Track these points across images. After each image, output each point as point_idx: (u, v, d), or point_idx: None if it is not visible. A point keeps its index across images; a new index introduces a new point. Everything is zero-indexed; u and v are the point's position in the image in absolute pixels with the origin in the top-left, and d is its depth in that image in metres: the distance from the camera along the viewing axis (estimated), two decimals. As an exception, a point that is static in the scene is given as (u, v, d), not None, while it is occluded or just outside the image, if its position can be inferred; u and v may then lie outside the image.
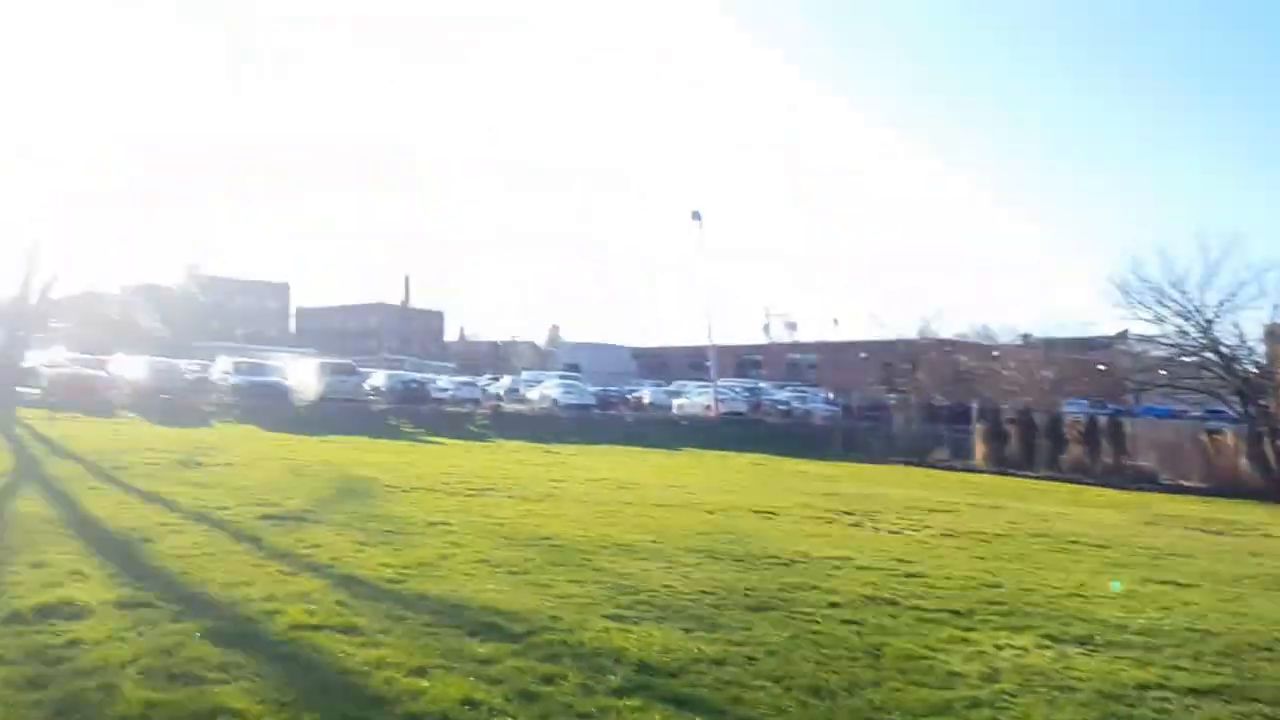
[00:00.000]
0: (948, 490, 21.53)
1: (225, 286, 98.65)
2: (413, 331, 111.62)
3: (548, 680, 5.44)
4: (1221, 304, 28.46)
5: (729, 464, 26.70)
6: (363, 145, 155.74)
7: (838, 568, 9.97)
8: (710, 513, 14.22)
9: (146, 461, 15.90)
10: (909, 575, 9.72)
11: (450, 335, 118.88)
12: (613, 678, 5.52)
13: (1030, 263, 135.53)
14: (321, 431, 27.16)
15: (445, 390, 45.21)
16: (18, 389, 28.23)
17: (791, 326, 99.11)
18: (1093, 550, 12.52)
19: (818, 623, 7.38)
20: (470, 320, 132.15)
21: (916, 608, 8.18)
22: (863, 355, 55.58)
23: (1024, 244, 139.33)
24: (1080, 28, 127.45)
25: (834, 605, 8.05)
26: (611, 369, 62.64)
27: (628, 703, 5.18)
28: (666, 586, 8.37)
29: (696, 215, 44.71)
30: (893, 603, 8.34)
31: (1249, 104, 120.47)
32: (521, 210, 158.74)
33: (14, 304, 31.02)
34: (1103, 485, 25.77)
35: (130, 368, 34.67)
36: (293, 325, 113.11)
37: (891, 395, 44.81)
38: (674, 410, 45.38)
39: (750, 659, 6.23)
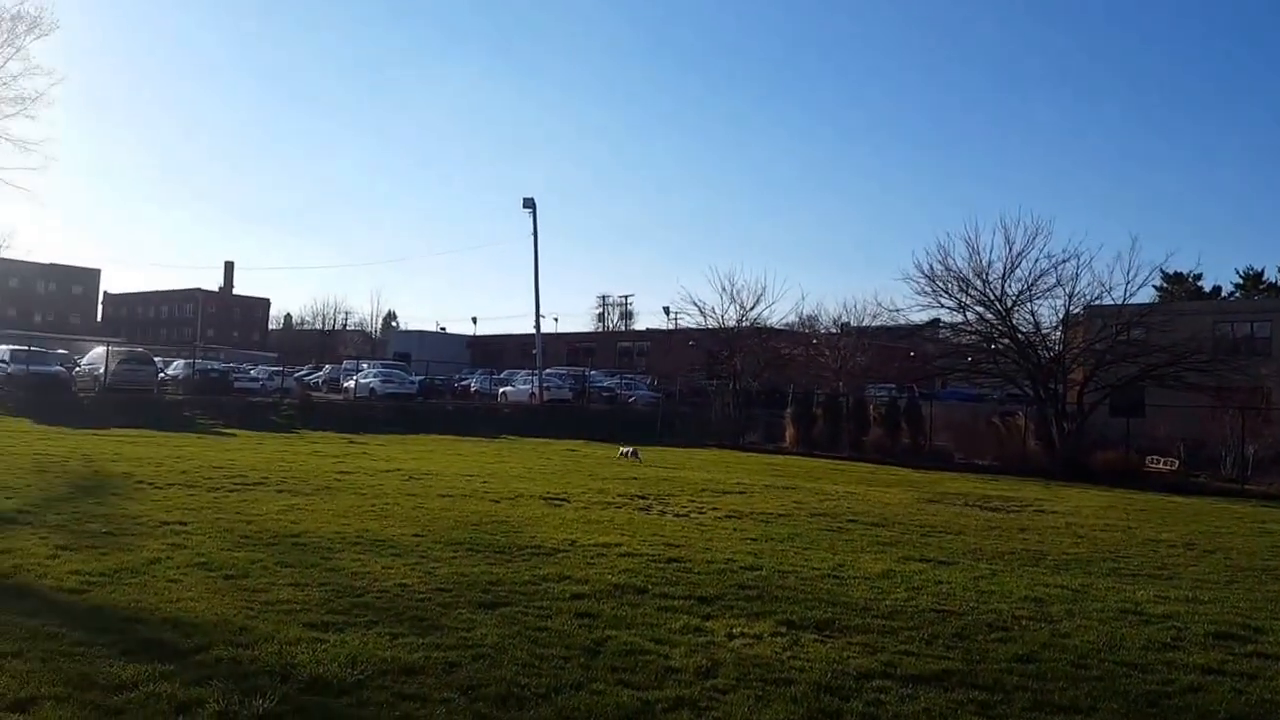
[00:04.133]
0: (749, 472, 21.80)
1: (25, 271, 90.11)
2: (233, 320, 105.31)
3: (182, 709, 4.69)
4: (1020, 294, 30.06)
5: (543, 450, 26.22)
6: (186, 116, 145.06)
7: (600, 555, 9.62)
8: (495, 502, 13.66)
9: None
10: (670, 561, 9.48)
11: (278, 324, 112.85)
12: (262, 700, 4.80)
13: (851, 249, 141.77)
14: (105, 425, 25.00)
15: (256, 380, 42.53)
16: None
17: (627, 316, 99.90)
18: (866, 529, 12.74)
19: (549, 618, 6.94)
20: (301, 308, 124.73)
21: (664, 595, 7.92)
22: (691, 343, 56.26)
23: (847, 230, 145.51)
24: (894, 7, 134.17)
25: (577, 597, 7.66)
26: (443, 357, 60.84)
27: (266, 729, 4.51)
28: (401, 585, 7.74)
29: (529, 203, 43.78)
30: (641, 590, 8.04)
31: (1059, 91, 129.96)
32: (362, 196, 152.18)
33: None
34: (901, 465, 26.90)
35: None
36: (101, 313, 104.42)
37: (712, 381, 45.54)
38: (499, 399, 44.52)
39: (451, 665, 5.68)
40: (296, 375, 48.08)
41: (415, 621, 6.63)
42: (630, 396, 46.58)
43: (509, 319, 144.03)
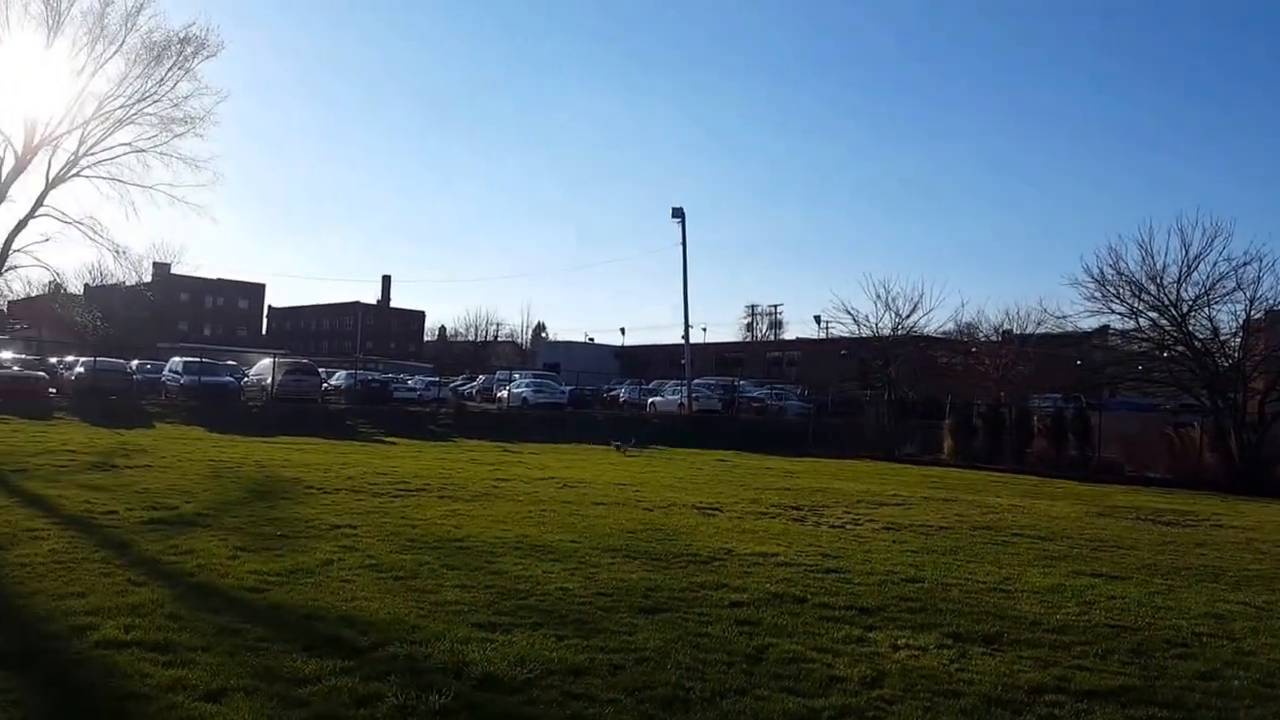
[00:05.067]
0: (906, 484, 21.00)
1: (195, 286, 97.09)
2: (390, 332, 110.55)
3: (363, 702, 4.81)
4: (1197, 299, 27.94)
5: (693, 461, 26.07)
6: (348, 141, 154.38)
7: (757, 564, 9.42)
8: (649, 510, 13.64)
9: (55, 464, 15.19)
10: (828, 571, 9.18)
11: (433, 335, 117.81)
12: (438, 697, 4.88)
13: (1013, 256, 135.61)
14: (272, 432, 26.51)
15: (413, 390, 44.46)
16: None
17: (776, 325, 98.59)
18: (1032, 543, 11.99)
19: (709, 624, 6.81)
20: (455, 320, 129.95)
21: (824, 604, 7.65)
22: (843, 353, 54.89)
23: (1007, 236, 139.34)
24: (1064, 14, 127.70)
25: (735, 605, 7.51)
26: (592, 368, 61.93)
27: (443, 725, 4.57)
28: (563, 589, 7.79)
29: (678, 213, 43.94)
30: (800, 600, 7.80)
31: (1233, 97, 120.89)
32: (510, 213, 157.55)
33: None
34: (1067, 478, 25.34)
35: (74, 369, 33.77)
36: (266, 326, 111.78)
37: (866, 391, 44.28)
38: (648, 409, 44.79)
39: (615, 668, 5.64)
40: (452, 385, 49.96)
41: (578, 624, 6.64)
42: (780, 407, 45.89)
43: (656, 329, 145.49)
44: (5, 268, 29.90)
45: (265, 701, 4.75)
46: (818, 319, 70.58)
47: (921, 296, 40.71)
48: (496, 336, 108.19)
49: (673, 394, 46.02)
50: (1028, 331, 49.70)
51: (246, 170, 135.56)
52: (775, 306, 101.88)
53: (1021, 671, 5.97)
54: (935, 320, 44.25)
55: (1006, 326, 53.16)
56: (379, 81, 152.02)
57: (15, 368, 32.10)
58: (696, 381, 47.56)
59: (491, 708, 4.86)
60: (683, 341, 46.12)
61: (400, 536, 10.13)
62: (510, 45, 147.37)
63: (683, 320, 45.25)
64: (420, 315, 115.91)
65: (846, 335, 47.18)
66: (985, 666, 6.06)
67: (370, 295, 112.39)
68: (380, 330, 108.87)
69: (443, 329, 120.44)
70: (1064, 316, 36.13)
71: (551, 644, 6.07)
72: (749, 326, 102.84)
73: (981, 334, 54.48)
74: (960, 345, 49.75)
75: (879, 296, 40.10)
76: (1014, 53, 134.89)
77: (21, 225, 28.83)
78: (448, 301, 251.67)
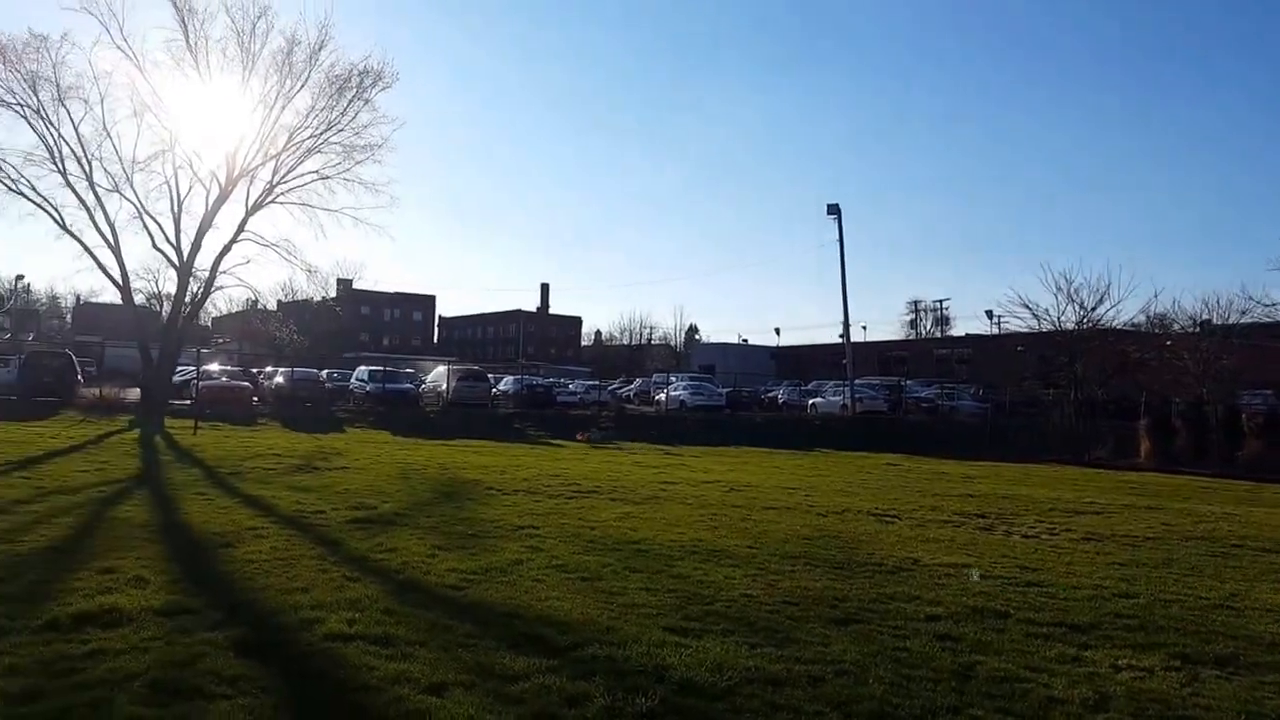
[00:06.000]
0: (1101, 490, 19.67)
1: (374, 300, 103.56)
2: (549, 337, 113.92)
3: (573, 701, 4.93)
4: None
5: (861, 465, 25.37)
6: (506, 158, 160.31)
7: (949, 575, 9.03)
8: (823, 516, 13.37)
9: (265, 467, 16.44)
10: (1029, 584, 8.68)
11: (589, 340, 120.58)
12: (644, 700, 4.94)
13: (1207, 241, 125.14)
14: (449, 436, 27.76)
15: (574, 394, 45.55)
16: (172, 402, 30.12)
17: (942, 321, 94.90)
18: (1257, 555, 10.94)
19: (907, 639, 6.57)
20: (610, 324, 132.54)
21: (1029, 621, 7.23)
22: (1019, 348, 51.87)
23: (1200, 221, 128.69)
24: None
25: (932, 618, 7.21)
26: (747, 369, 61.48)
27: (652, 729, 4.61)
28: (747, 596, 7.73)
29: (834, 209, 43.02)
30: (1002, 615, 7.41)
31: None
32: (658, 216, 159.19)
33: (166, 324, 33.25)
34: (1285, 483, 23.01)
35: (274, 379, 36.66)
36: (437, 335, 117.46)
37: (1049, 390, 41.72)
38: (808, 410, 44.05)
39: (815, 680, 5.53)
40: (610, 388, 50.89)
41: (769, 633, 6.55)
42: (951, 407, 44.13)
43: (811, 329, 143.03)
44: (214, 288, 32.77)
45: (482, 697, 4.94)
46: (989, 313, 67.41)
47: (1108, 287, 38.14)
48: (650, 340, 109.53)
49: (834, 395, 45.01)
50: (1230, 321, 45.55)
51: (412, 186, 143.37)
52: (940, 302, 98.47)
53: (1267, 698, 5.46)
54: (1124, 312, 41.37)
55: (1205, 316, 48.91)
56: (526, 97, 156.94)
57: (223, 378, 35.16)
58: (859, 381, 46.28)
59: (696, 714, 4.87)
60: (841, 340, 45.09)
61: (580, 538, 10.34)
62: (655, 48, 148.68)
63: (840, 319, 44.43)
64: (577, 321, 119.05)
65: (1024, 330, 44.67)
66: (1223, 691, 5.56)
67: (530, 303, 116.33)
68: (540, 336, 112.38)
69: (598, 333, 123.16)
70: (1274, 304, 32.97)
71: (745, 652, 6.02)
72: (912, 323, 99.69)
73: (1177, 325, 50.35)
74: (1154, 338, 46.10)
75: (1060, 288, 37.85)
76: (1205, 26, 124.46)
77: (227, 249, 31.52)
78: (603, 306, 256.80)
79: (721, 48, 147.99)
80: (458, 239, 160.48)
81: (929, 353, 74.30)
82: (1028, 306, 40.86)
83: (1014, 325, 49.35)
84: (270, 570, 7.86)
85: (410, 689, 5.00)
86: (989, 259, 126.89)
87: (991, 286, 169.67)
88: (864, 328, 75.38)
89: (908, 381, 50.96)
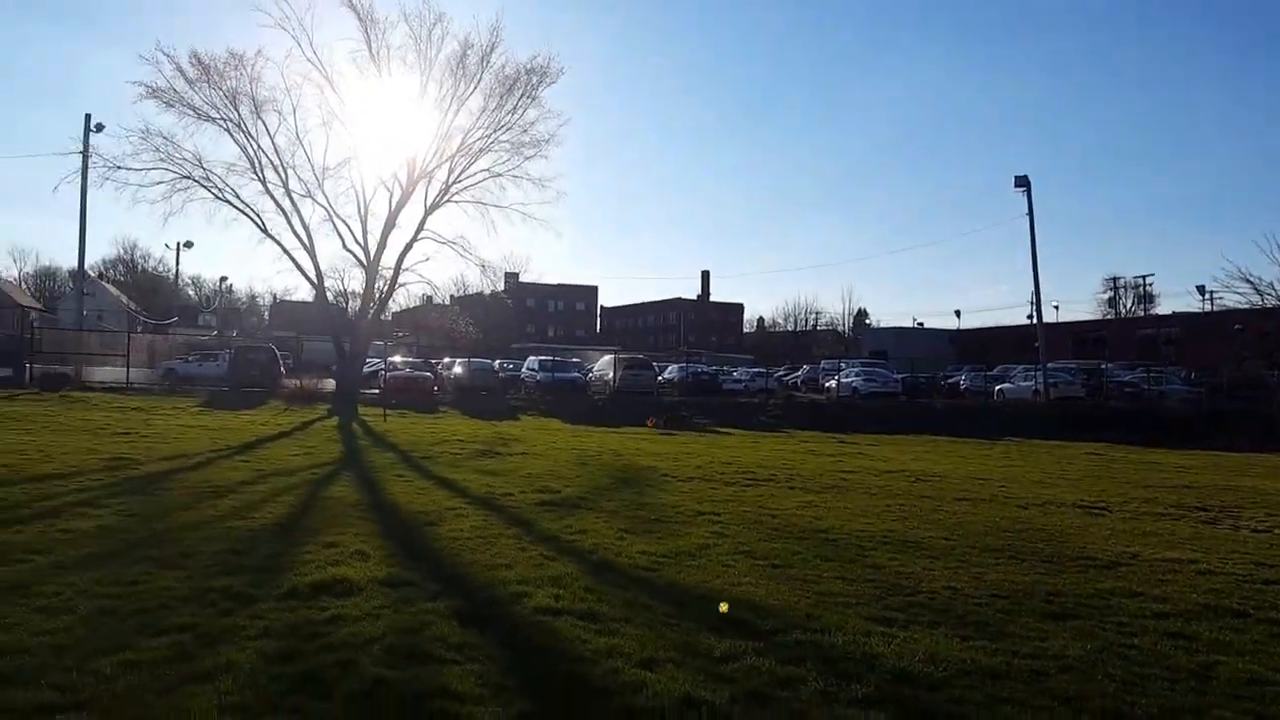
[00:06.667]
0: (1339, 481, 17.77)
1: (540, 292, 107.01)
2: (711, 324, 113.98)
3: (784, 684, 4.88)
4: None
5: (1058, 455, 23.78)
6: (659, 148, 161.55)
7: (1172, 571, 8.40)
8: (1023, 508, 12.69)
9: (451, 452, 17.25)
10: (1268, 582, 7.94)
11: (751, 327, 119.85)
12: (859, 686, 4.83)
13: None
14: (617, 423, 28.28)
15: (739, 381, 45.39)
16: (362, 391, 32.19)
17: (1145, 299, 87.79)
18: None
19: (1134, 635, 6.15)
20: (773, 310, 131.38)
21: (1272, 620, 6.62)
22: (1237, 327, 47.32)
23: None
24: None
25: (1160, 616, 6.72)
26: (923, 354, 58.83)
27: (873, 715, 4.50)
28: (950, 588, 7.43)
29: (1022, 181, 40.59)
30: (1240, 614, 6.82)
31: None
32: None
33: (356, 319, 35.49)
34: None
35: (453, 369, 38.58)
36: (599, 325, 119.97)
37: (1274, 372, 37.88)
38: (995, 397, 41.89)
39: (1037, 674, 5.25)
40: (776, 375, 50.37)
41: (979, 626, 6.27)
42: (1158, 392, 40.88)
43: (994, 310, 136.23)
44: (398, 285, 34.72)
45: (693, 674, 4.97)
46: (1201, 289, 61.96)
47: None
48: (815, 325, 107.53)
49: (1024, 380, 42.37)
50: None
51: (573, 179, 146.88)
52: (1144, 278, 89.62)
53: None
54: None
55: None
56: (686, 85, 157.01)
57: (407, 369, 37.29)
58: (1052, 365, 43.31)
59: (915, 704, 4.72)
60: (1030, 321, 42.66)
61: (763, 525, 10.25)
62: (829, 23, 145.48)
63: (1027, 299, 42.10)
64: (739, 308, 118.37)
65: (1243, 307, 40.76)
66: None
67: (690, 291, 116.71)
68: (701, 323, 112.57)
69: (760, 320, 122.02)
70: None
71: (957, 644, 5.79)
72: (1110, 302, 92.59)
73: None
74: None
75: (1285, 260, 34.30)
76: None
77: (409, 248, 33.25)
78: (765, 293, 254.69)
79: (900, 25, 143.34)
80: (617, 229, 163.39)
81: (1131, 333, 68.52)
82: (1249, 281, 37.19)
83: (1230, 301, 45.22)
84: (474, 547, 8.23)
85: (624, 663, 5.10)
86: (1195, 232, 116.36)
87: (1201, 261, 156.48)
88: (1055, 307, 70.68)
89: (1107, 364, 47.27)
